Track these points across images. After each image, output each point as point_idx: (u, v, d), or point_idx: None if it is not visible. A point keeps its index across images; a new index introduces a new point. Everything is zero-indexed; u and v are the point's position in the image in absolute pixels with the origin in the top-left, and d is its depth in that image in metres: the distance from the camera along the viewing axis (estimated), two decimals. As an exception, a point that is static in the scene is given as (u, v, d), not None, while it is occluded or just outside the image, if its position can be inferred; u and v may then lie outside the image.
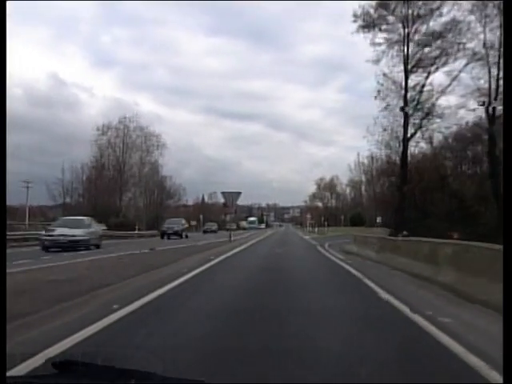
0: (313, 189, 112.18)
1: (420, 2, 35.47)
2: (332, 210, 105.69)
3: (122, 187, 60.63)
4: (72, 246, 19.50)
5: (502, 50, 26.66)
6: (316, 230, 70.92)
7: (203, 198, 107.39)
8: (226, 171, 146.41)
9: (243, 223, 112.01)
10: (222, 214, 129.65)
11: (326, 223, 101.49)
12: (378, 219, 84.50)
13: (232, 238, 31.11)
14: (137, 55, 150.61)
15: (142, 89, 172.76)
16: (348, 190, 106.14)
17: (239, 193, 34.05)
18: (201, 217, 72.38)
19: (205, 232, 58.25)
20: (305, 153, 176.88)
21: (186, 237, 37.97)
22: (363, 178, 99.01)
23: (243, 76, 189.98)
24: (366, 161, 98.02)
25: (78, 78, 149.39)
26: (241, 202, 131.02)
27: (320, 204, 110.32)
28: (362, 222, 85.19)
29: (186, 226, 40.94)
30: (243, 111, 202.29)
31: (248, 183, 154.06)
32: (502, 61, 28.62)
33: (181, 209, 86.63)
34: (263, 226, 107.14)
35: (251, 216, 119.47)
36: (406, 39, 35.92)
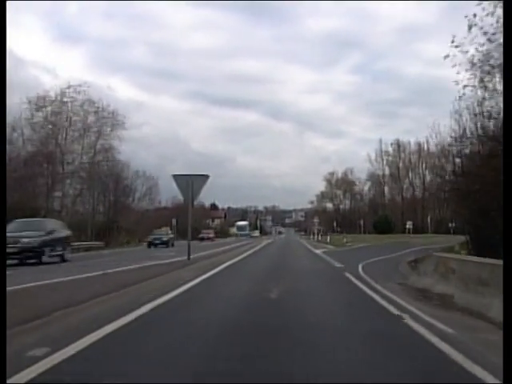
0: (321, 187, 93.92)
1: None
2: (346, 213, 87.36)
3: (56, 182, 42.44)
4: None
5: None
6: (328, 238, 52.23)
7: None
8: (218, 168, 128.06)
9: (234, 230, 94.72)
10: (209, 218, 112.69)
11: (338, 229, 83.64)
12: (408, 224, 66.68)
13: (192, 257, 17.94)
14: (110, 29, 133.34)
15: (117, 70, 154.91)
16: (366, 188, 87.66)
17: (204, 177, 20.12)
18: (173, 221, 53.79)
19: (150, 245, 38.77)
20: (310, 146, 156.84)
21: (63, 260, 18.29)
22: (387, 171, 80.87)
23: (237, 55, 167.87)
24: (390, 149, 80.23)
25: (38, 56, 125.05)
26: (234, 204, 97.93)
27: (330, 205, 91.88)
28: (389, 227, 66.69)
29: (65, 234, 20.42)
30: (237, 97, 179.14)
31: (243, 183, 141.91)
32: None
33: (159, 212, 68.81)
34: (257, 233, 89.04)
35: (243, 219, 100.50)
36: None
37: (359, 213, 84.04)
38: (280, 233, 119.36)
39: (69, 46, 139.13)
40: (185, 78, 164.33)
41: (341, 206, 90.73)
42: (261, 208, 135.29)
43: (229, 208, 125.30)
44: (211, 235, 55.44)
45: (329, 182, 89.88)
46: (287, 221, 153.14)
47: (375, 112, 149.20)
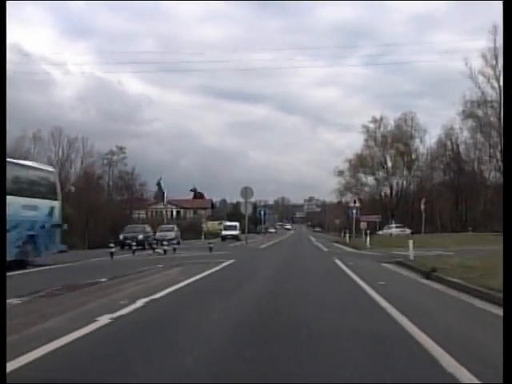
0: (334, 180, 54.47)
1: None
2: (403, 193, 47.93)
3: None
4: None
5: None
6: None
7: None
8: (229, 163, 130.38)
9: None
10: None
11: (392, 221, 44.50)
12: None
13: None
14: (117, 23, 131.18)
15: (127, 64, 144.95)
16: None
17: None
18: None
19: None
20: (322, 140, 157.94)
21: None
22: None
23: (247, 48, 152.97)
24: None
25: (47, 51, 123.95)
26: (236, 198, 61.86)
27: (370, 179, 51.82)
28: None
29: None
30: (247, 91, 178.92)
31: (254, 177, 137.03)
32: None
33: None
34: (234, 231, 45.13)
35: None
36: None
37: (432, 191, 45.03)
38: (276, 229, 79.92)
39: (78, 40, 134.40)
40: (194, 71, 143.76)
41: (393, 181, 50.70)
42: (271, 202, 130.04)
43: (237, 202, 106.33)
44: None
45: (370, 136, 49.79)
46: (298, 215, 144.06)
47: (387, 104, 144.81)
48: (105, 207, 36.39)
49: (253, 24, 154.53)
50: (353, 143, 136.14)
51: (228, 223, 46.40)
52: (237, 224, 42.56)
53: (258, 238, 44.31)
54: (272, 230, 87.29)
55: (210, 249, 19.01)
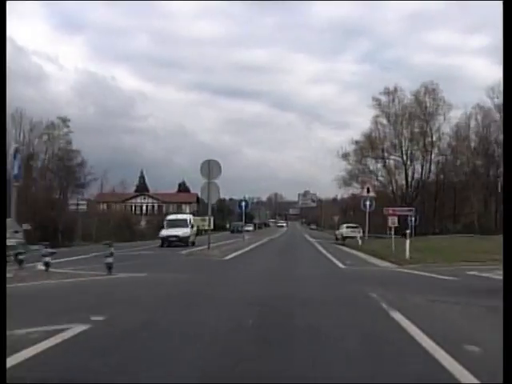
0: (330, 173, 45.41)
1: None
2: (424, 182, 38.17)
3: None
4: None
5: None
6: None
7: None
8: (224, 160, 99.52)
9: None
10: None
11: (412, 220, 33.80)
12: None
13: None
14: (112, 17, 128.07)
15: (121, 60, 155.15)
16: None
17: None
18: None
19: None
20: (317, 138, 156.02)
21: None
22: None
23: (242, 44, 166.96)
24: None
25: (40, 46, 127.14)
26: (237, 195, 61.48)
27: (380, 166, 42.12)
28: None
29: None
30: (242, 87, 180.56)
31: (248, 174, 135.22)
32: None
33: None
34: (182, 230, 25.26)
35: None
36: None
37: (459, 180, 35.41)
38: (242, 229, 44.80)
39: (71, 35, 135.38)
40: (189, 68, 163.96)
41: (409, 168, 41.09)
42: (264, 199, 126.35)
43: (231, 199, 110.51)
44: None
45: (382, 111, 40.07)
46: (291, 211, 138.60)
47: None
48: (30, 196, 26.64)
49: (248, 20, 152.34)
50: (347, 142, 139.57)
51: (172, 216, 30.51)
52: (187, 218, 28.32)
53: (238, 237, 34.42)
54: (248, 229, 62.42)
55: (109, 268, 9.17)
